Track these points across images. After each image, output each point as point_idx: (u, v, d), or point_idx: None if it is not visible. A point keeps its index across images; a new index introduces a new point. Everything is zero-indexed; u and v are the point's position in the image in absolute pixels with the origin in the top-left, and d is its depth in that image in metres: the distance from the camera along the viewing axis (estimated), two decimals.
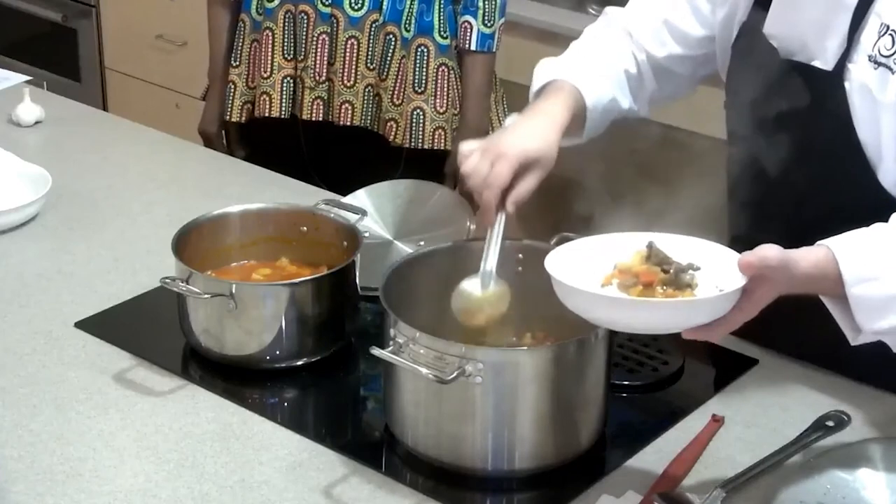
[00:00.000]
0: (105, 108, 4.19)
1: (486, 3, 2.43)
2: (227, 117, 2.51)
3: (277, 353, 1.75)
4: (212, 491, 1.53)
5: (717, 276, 1.44)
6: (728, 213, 1.86)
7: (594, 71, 1.79)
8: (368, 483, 1.55)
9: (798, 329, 1.68)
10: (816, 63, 1.65)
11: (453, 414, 1.53)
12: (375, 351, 1.51)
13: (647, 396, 1.74)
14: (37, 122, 2.53)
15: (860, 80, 1.60)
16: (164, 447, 1.61)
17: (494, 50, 2.48)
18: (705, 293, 1.42)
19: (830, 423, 1.64)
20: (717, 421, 1.65)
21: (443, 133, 2.46)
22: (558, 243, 1.69)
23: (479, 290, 1.59)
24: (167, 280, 1.72)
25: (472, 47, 2.44)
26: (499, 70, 2.59)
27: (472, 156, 1.62)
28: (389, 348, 1.52)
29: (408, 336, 1.51)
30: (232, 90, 2.51)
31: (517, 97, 2.80)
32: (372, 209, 2.02)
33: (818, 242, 1.47)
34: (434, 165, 2.47)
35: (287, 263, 1.87)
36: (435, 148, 2.47)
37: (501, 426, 1.52)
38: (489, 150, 1.61)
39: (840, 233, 1.48)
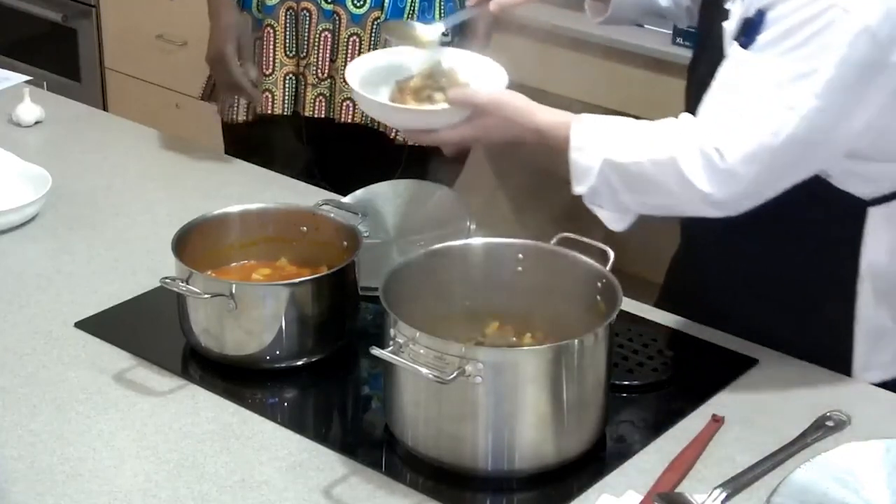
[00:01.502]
0: (105, 108, 4.19)
1: None
2: (234, 118, 2.50)
3: (277, 353, 1.75)
4: (212, 491, 1.53)
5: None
6: None
7: None
8: (368, 483, 1.55)
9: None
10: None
11: (453, 414, 1.53)
12: (375, 351, 1.51)
13: (647, 396, 1.74)
14: (37, 122, 2.53)
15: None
16: (164, 447, 1.61)
17: None
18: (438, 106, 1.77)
19: (830, 423, 1.64)
20: (717, 421, 1.65)
21: None
22: (558, 243, 1.70)
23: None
24: (167, 280, 1.72)
25: None
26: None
27: None
28: (389, 348, 1.52)
29: (408, 336, 1.51)
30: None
31: None
32: (372, 209, 2.02)
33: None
34: (436, 164, 2.47)
35: (287, 263, 1.87)
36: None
37: (501, 426, 1.52)
38: None
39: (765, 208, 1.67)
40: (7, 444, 1.61)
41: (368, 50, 2.42)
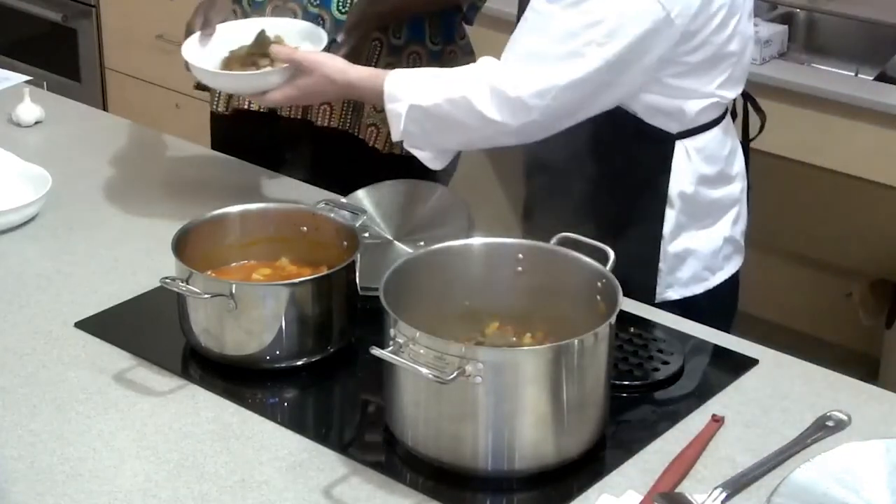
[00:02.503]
0: (105, 108, 4.19)
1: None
2: (215, 107, 2.48)
3: (277, 353, 1.75)
4: (212, 491, 1.53)
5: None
6: None
7: None
8: (368, 483, 1.55)
9: None
10: None
11: (453, 414, 1.53)
12: (375, 351, 1.51)
13: (647, 396, 1.74)
14: (37, 122, 2.53)
15: None
16: (164, 447, 1.61)
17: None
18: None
19: (830, 423, 1.64)
20: (717, 421, 1.65)
21: None
22: (558, 243, 1.70)
23: None
24: (167, 280, 1.72)
25: None
26: None
27: None
28: (389, 348, 1.52)
29: (408, 336, 1.51)
30: None
31: None
32: (372, 209, 2.02)
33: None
34: (417, 173, 2.46)
35: (287, 263, 1.87)
36: None
37: (501, 426, 1.52)
38: None
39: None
40: (7, 444, 1.61)
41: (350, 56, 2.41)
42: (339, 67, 1.95)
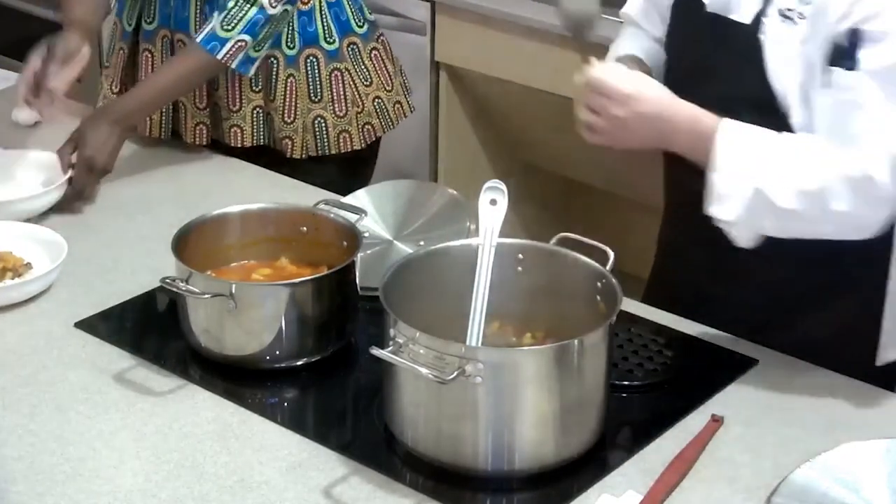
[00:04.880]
0: None
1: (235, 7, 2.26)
2: (148, 133, 2.46)
3: (277, 353, 1.75)
4: (212, 491, 1.53)
5: None
6: (663, 171, 1.98)
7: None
8: (368, 483, 1.55)
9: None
10: (735, 17, 1.76)
11: (453, 414, 1.53)
12: (375, 351, 1.51)
13: (647, 396, 1.74)
14: (37, 122, 2.53)
15: (772, 32, 1.73)
16: (164, 447, 1.61)
17: (218, 56, 2.26)
18: None
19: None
20: (717, 421, 1.65)
21: (347, 136, 2.44)
22: (558, 243, 1.70)
23: None
24: (167, 280, 1.72)
25: (198, 39, 2.27)
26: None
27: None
28: (389, 348, 1.52)
29: (408, 336, 1.51)
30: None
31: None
32: (372, 209, 2.02)
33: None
34: (344, 168, 2.45)
35: (287, 263, 1.87)
36: (342, 151, 2.45)
37: (501, 426, 1.52)
38: None
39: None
40: (7, 444, 1.61)
41: (251, 76, 2.36)
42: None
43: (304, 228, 1.87)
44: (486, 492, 1.56)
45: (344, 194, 2.10)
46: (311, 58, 2.39)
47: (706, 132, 1.67)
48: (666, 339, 1.83)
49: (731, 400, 1.71)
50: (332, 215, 1.87)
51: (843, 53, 1.65)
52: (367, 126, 2.47)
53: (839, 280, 1.83)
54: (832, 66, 1.67)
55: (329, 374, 1.78)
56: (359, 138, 2.46)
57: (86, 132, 2.22)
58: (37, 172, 2.25)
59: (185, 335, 1.78)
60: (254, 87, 2.38)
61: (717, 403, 1.70)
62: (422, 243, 1.94)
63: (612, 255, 1.65)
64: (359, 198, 2.06)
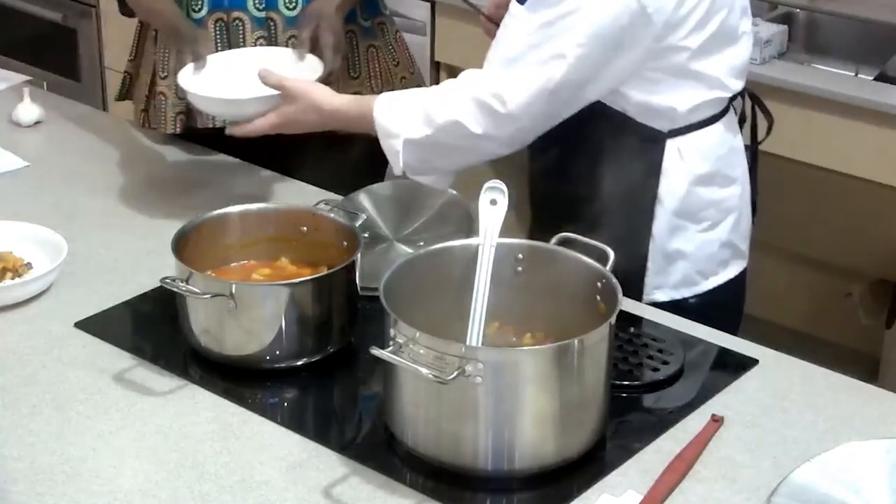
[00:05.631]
0: (105, 108, 4.18)
1: None
2: (162, 128, 2.45)
3: (277, 353, 1.75)
4: (212, 491, 1.53)
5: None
6: None
7: None
8: (368, 483, 1.55)
9: None
10: None
11: (453, 414, 1.53)
12: (375, 351, 1.51)
13: (647, 396, 1.74)
14: (37, 122, 2.53)
15: None
16: (164, 447, 1.61)
17: None
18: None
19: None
20: (717, 421, 1.65)
21: None
22: (558, 243, 1.70)
23: None
24: (167, 280, 1.72)
25: None
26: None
27: None
28: (389, 348, 1.52)
29: (408, 336, 1.51)
30: (163, 102, 2.43)
31: None
32: (372, 209, 2.02)
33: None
34: (375, 147, 2.46)
35: (287, 263, 1.87)
36: None
37: (501, 426, 1.52)
38: None
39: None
40: (7, 444, 1.61)
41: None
42: (326, 94, 1.96)
43: (304, 228, 1.87)
44: (486, 492, 1.56)
45: (373, 174, 2.12)
46: (349, 33, 2.40)
47: (368, 107, 1.93)
48: (666, 339, 1.83)
49: (731, 400, 1.71)
50: (332, 215, 1.88)
51: None
52: None
53: (606, 216, 1.96)
54: None
55: (329, 374, 1.78)
56: None
57: (323, 25, 2.27)
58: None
59: (185, 335, 1.78)
60: None
61: (717, 403, 1.70)
62: (422, 243, 1.94)
63: (612, 254, 1.65)
64: (359, 198, 2.06)
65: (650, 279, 2.01)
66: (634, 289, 1.98)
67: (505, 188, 1.64)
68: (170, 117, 2.42)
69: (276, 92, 1.97)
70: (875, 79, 3.04)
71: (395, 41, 2.53)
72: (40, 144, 2.47)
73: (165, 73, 2.41)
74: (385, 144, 1.91)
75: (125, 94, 2.57)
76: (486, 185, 1.65)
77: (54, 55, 4.40)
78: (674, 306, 1.98)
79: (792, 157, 2.95)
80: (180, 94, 2.22)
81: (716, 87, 1.94)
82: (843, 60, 3.29)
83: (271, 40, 2.37)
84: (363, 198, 2.06)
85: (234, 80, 2.11)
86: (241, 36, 2.37)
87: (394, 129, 1.90)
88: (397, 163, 1.91)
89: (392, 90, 2.42)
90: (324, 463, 1.58)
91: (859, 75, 3.22)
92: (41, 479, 1.55)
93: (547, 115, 1.88)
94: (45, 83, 2.76)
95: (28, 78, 2.73)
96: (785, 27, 3.16)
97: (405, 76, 2.53)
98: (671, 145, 1.95)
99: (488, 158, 1.95)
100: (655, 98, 1.92)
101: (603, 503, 1.51)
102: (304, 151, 2.35)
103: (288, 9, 2.35)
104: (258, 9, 2.35)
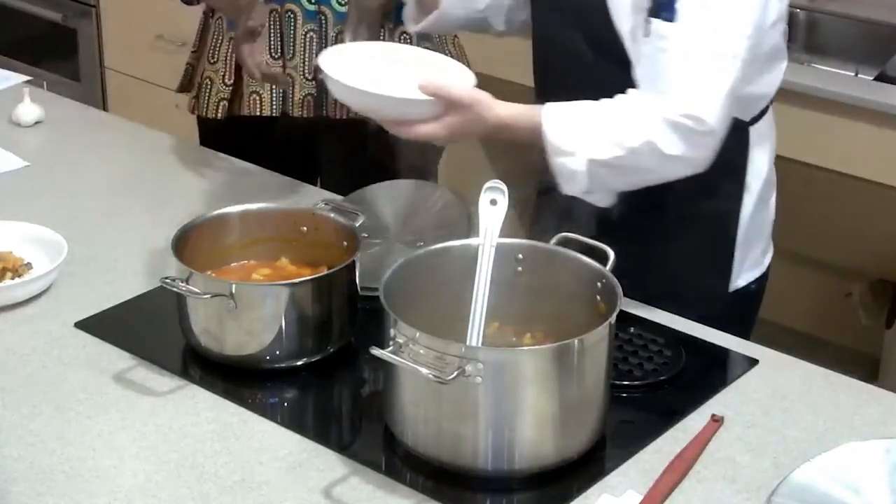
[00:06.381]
0: (105, 108, 4.19)
1: None
2: (203, 113, 2.48)
3: (277, 353, 1.75)
4: (212, 491, 1.53)
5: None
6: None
7: None
8: (368, 483, 1.55)
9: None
10: None
11: (453, 414, 1.53)
12: (375, 351, 1.51)
13: (647, 396, 1.74)
14: (37, 122, 2.53)
15: None
16: (164, 447, 1.61)
17: None
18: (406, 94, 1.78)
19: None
20: (717, 421, 1.65)
21: None
22: (558, 243, 1.70)
23: None
24: (167, 280, 1.72)
25: None
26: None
27: None
28: (389, 348, 1.52)
29: (408, 336, 1.51)
30: (208, 87, 2.47)
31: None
32: (372, 209, 2.02)
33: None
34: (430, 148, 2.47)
35: (287, 263, 1.87)
36: None
37: (501, 426, 1.52)
38: None
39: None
40: (7, 444, 1.61)
41: None
42: (491, 105, 1.80)
43: (304, 228, 1.87)
44: (486, 492, 1.56)
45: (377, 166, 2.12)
46: (404, 33, 2.40)
47: (537, 120, 1.79)
48: (666, 339, 1.83)
49: (731, 400, 1.71)
50: (332, 215, 1.87)
51: (661, 6, 1.78)
52: None
53: (693, 213, 1.93)
54: (652, 17, 1.79)
55: (329, 374, 1.78)
56: None
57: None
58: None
59: (185, 335, 1.78)
60: None
61: (717, 403, 1.71)
62: (422, 243, 1.94)
63: (612, 254, 1.65)
64: (359, 198, 2.06)
65: (736, 266, 2.01)
66: (722, 279, 2.01)
67: (505, 188, 1.64)
68: (212, 103, 2.44)
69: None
70: (875, 79, 3.04)
71: (451, 45, 2.52)
72: (40, 144, 2.47)
73: (215, 59, 2.44)
74: (559, 162, 1.78)
75: (186, 85, 2.58)
76: (486, 185, 1.65)
77: (54, 55, 4.40)
78: (741, 294, 2.03)
79: (792, 157, 2.95)
80: (316, 75, 2.10)
81: (784, 58, 1.96)
82: (843, 60, 3.29)
83: (321, 34, 2.39)
84: (363, 198, 2.06)
85: (375, 72, 1.89)
86: (292, 28, 2.39)
87: (571, 148, 1.77)
88: (579, 184, 1.79)
89: None
90: (324, 463, 1.58)
91: (859, 75, 3.22)
92: (41, 479, 1.55)
93: (728, 122, 1.80)
94: (45, 83, 2.76)
95: (28, 78, 2.73)
96: (785, 27, 3.15)
97: None
98: (753, 132, 1.96)
99: (669, 180, 1.85)
100: (752, 87, 1.89)
101: (603, 503, 1.51)
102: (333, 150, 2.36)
103: (339, 4, 2.37)
104: (311, 2, 2.37)
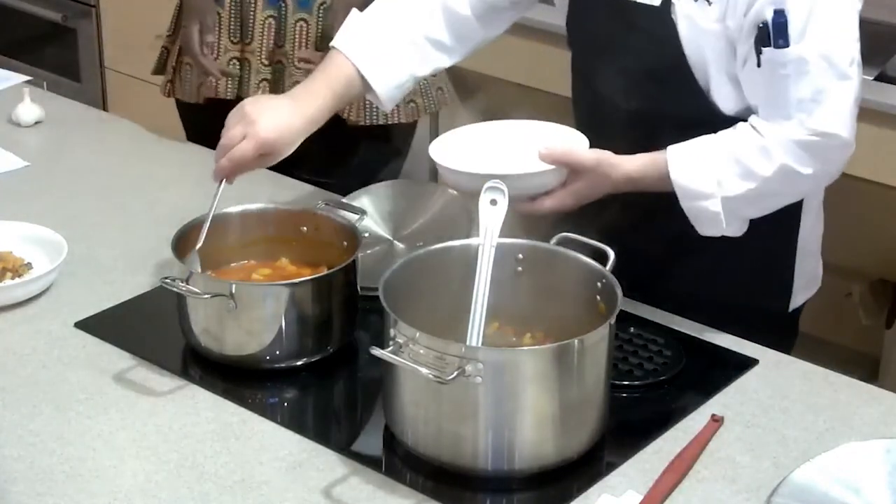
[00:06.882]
0: (105, 108, 4.18)
1: None
2: (184, 97, 2.52)
3: (277, 353, 1.75)
4: (212, 491, 1.53)
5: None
6: None
7: (390, 50, 1.95)
8: (368, 483, 1.55)
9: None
10: (645, 0, 1.83)
11: (453, 414, 1.52)
12: (375, 351, 1.51)
13: (647, 396, 1.74)
14: (37, 122, 2.53)
15: (685, 13, 1.80)
16: (164, 447, 1.61)
17: None
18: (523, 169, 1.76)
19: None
20: (717, 421, 1.65)
21: (396, 110, 2.44)
22: (558, 243, 1.70)
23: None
24: (167, 280, 1.72)
25: None
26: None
27: (234, 122, 1.86)
28: (389, 348, 1.52)
29: (408, 336, 1.51)
30: (189, 72, 2.52)
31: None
32: (372, 209, 2.02)
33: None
34: (393, 141, 2.47)
35: (287, 263, 1.87)
36: (390, 123, 2.46)
37: (501, 426, 1.52)
38: (249, 122, 1.84)
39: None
40: (7, 444, 1.61)
41: (315, 35, 2.42)
42: (613, 162, 1.78)
43: (304, 228, 1.87)
44: (486, 492, 1.56)
45: (382, 166, 2.11)
46: None
47: (664, 168, 1.77)
48: (666, 339, 1.83)
49: (731, 400, 1.71)
50: (332, 215, 1.87)
51: (776, 34, 1.73)
52: (411, 104, 2.48)
53: (751, 229, 1.88)
54: (763, 47, 1.74)
55: (329, 374, 1.78)
56: (404, 114, 2.47)
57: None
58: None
59: (185, 335, 1.78)
60: (318, 47, 2.39)
61: (717, 403, 1.70)
62: (421, 243, 1.94)
63: (612, 254, 1.65)
64: (359, 198, 2.06)
65: (797, 283, 2.00)
66: (783, 299, 2.00)
67: (505, 188, 1.64)
68: (193, 87, 2.49)
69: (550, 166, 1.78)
70: (875, 79, 3.03)
71: None
72: (40, 144, 2.47)
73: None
74: (690, 206, 1.77)
75: (161, 68, 2.63)
76: (486, 185, 1.65)
77: (54, 55, 4.40)
78: (791, 315, 2.02)
79: None
80: (437, 169, 1.90)
81: None
82: None
83: (281, 20, 2.40)
84: (363, 198, 2.06)
85: (486, 153, 1.87)
86: (252, 12, 2.42)
87: (705, 190, 1.76)
88: (713, 223, 1.78)
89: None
90: (324, 463, 1.58)
91: None
92: (41, 479, 1.55)
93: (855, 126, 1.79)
94: (45, 83, 2.75)
95: (28, 78, 2.73)
96: None
97: (440, 87, 2.54)
98: None
99: (801, 198, 1.88)
100: None
101: (603, 503, 1.51)
102: (312, 152, 2.36)
103: None
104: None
